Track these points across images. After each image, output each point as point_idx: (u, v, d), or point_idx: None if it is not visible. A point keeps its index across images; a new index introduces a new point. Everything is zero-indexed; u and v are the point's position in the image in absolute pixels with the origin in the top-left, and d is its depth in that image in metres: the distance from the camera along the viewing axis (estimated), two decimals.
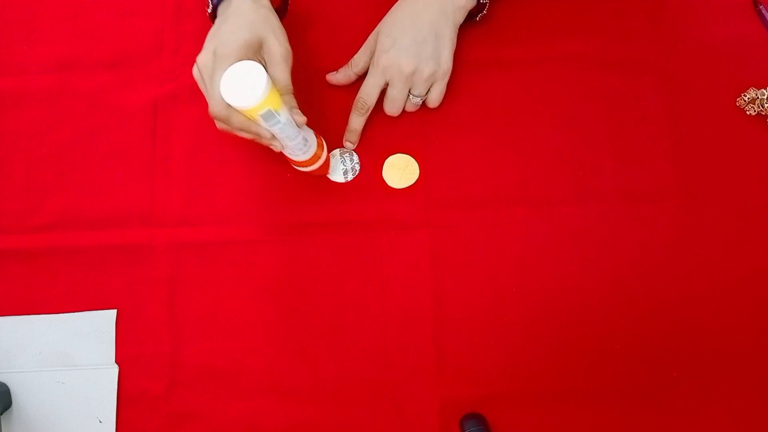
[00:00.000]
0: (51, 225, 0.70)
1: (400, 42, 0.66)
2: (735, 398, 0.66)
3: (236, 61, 0.56)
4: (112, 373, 0.67)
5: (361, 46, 0.69)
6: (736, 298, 0.68)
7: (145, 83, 0.73)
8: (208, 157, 0.71)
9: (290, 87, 0.62)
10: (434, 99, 0.69)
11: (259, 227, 0.70)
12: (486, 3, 0.69)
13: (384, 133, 0.71)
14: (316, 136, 0.65)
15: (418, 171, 0.71)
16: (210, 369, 0.67)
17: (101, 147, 0.72)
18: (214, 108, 0.58)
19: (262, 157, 0.71)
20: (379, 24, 0.69)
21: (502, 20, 0.73)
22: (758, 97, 0.71)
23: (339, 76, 0.71)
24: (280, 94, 0.59)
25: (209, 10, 0.65)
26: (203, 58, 0.59)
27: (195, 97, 0.72)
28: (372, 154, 0.71)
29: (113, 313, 0.68)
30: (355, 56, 0.70)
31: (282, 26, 0.62)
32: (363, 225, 0.69)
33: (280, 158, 0.71)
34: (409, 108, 0.70)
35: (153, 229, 0.70)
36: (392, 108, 0.69)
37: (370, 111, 0.69)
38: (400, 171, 0.71)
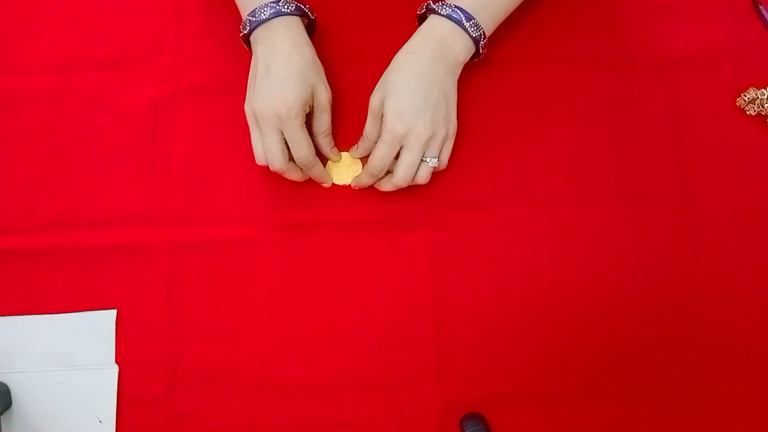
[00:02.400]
0: (51, 225, 0.70)
1: (414, 105, 0.62)
2: (735, 398, 0.66)
3: (301, 121, 0.63)
4: (112, 373, 0.67)
5: (367, 114, 0.65)
6: (736, 298, 0.68)
7: (145, 83, 0.73)
8: (208, 157, 0.71)
9: (330, 128, 0.67)
10: (444, 160, 0.66)
11: (259, 227, 0.70)
12: (484, 51, 0.67)
13: None
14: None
15: None
16: (210, 369, 0.67)
17: (101, 147, 0.72)
18: (303, 155, 0.64)
19: None
20: (380, 85, 0.65)
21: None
22: (758, 97, 0.71)
23: (360, 151, 0.68)
24: (323, 136, 0.67)
25: (244, 32, 0.65)
26: (265, 114, 0.62)
27: (195, 97, 0.72)
28: None
29: (113, 313, 0.68)
30: (366, 127, 0.66)
31: (319, 62, 0.66)
32: (363, 225, 0.69)
33: None
34: (422, 175, 0.64)
35: (153, 229, 0.70)
36: (407, 173, 0.63)
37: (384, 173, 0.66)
38: None
